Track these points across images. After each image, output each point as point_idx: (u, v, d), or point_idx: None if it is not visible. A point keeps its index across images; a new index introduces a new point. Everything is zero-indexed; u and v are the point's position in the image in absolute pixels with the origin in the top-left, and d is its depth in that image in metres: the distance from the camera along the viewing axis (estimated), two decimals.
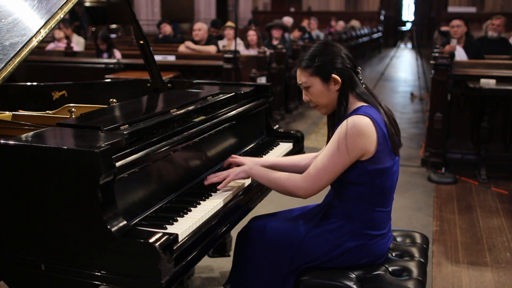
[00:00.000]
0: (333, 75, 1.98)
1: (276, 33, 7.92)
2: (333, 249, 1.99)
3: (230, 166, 2.28)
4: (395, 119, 2.05)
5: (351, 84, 1.99)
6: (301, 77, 2.04)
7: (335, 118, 2.04)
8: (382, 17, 19.15)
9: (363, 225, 2.00)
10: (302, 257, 2.02)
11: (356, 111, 1.94)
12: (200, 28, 7.15)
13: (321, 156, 1.94)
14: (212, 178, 2.11)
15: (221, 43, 7.70)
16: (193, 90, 2.73)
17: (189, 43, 7.10)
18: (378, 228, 2.01)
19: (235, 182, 2.17)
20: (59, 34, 8.17)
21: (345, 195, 2.00)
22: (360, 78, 2.03)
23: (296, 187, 1.98)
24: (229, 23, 7.82)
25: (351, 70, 2.01)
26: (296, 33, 9.80)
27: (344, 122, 1.91)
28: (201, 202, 1.98)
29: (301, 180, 1.97)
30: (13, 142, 1.68)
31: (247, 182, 2.22)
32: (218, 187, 2.07)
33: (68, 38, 8.33)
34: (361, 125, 1.88)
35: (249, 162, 2.25)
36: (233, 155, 2.34)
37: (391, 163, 1.96)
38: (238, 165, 2.25)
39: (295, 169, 2.29)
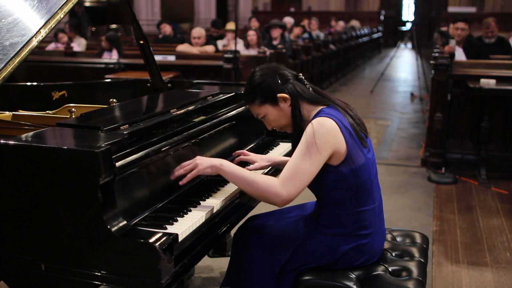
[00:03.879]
0: (279, 95, 1.99)
1: (275, 33, 7.92)
2: (329, 253, 2.00)
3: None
4: (355, 112, 2.04)
5: (299, 94, 1.99)
6: (255, 111, 2.07)
7: (296, 131, 2.01)
8: (382, 17, 19.13)
9: (353, 227, 1.99)
10: (300, 257, 2.02)
11: (318, 114, 1.94)
12: (200, 36, 7.14)
13: (292, 159, 1.89)
14: (178, 171, 1.97)
15: (221, 43, 7.70)
16: (193, 90, 2.74)
17: (185, 47, 7.09)
18: (368, 227, 2.01)
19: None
20: (63, 37, 8.11)
21: (328, 202, 1.99)
22: (306, 83, 2.04)
23: (274, 193, 1.87)
24: (230, 26, 7.81)
25: (294, 80, 2.01)
26: (296, 31, 9.81)
27: (309, 125, 1.90)
28: (201, 202, 1.97)
29: (279, 186, 1.87)
30: (13, 142, 1.68)
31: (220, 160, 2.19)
32: (180, 182, 1.94)
33: (69, 38, 8.33)
34: (326, 125, 1.88)
35: (259, 160, 2.27)
36: (244, 151, 2.33)
37: (364, 160, 1.95)
38: (248, 162, 2.28)
39: None
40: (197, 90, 2.73)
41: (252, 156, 2.31)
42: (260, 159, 2.29)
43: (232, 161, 2.13)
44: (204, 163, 1.96)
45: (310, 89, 2.03)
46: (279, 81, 2.00)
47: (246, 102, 2.09)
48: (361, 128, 2.00)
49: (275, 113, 2.03)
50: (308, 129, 1.89)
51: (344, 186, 1.94)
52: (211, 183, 2.13)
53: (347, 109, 2.00)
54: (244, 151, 2.35)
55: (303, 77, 2.05)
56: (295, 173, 1.87)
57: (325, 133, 1.87)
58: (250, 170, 2.17)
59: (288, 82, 2.00)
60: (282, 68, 2.05)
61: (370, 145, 2.03)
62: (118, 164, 1.67)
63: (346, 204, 1.97)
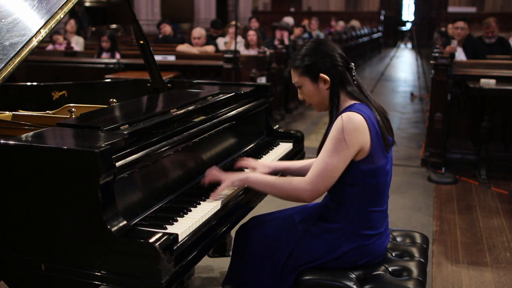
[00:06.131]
0: (321, 75, 1.99)
1: (279, 33, 7.97)
2: (331, 251, 1.99)
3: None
4: (387, 116, 2.05)
5: (341, 82, 2.00)
6: (294, 77, 2.07)
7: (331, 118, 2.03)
8: (382, 17, 19.12)
9: (360, 225, 1.99)
10: (300, 256, 2.02)
11: (349, 108, 1.95)
12: (200, 36, 7.15)
13: (321, 156, 1.93)
14: (208, 177, 2.08)
15: (222, 40, 7.72)
16: (193, 90, 2.74)
17: (185, 47, 7.11)
18: (374, 228, 2.01)
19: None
20: (58, 39, 8.09)
21: (340, 197, 1.99)
22: (353, 74, 2.03)
23: (301, 189, 1.93)
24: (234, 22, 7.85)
25: (343, 68, 2.01)
26: (297, 32, 9.82)
27: (339, 119, 1.91)
28: (201, 202, 1.97)
29: (306, 183, 1.92)
30: (13, 142, 1.68)
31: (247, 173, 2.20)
32: (211, 196, 2.00)
33: (66, 38, 8.31)
34: (356, 121, 1.89)
35: (261, 167, 2.25)
36: (245, 158, 2.33)
37: (384, 161, 1.97)
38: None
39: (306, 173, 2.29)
40: (197, 90, 2.73)
41: (254, 163, 2.28)
42: (262, 166, 2.27)
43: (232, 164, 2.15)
44: (232, 177, 2.05)
45: (355, 82, 2.03)
46: (327, 62, 1.99)
47: (291, 65, 2.08)
48: (389, 133, 2.00)
49: (311, 89, 2.03)
50: (337, 124, 1.90)
51: (360, 183, 1.95)
52: (211, 183, 2.12)
53: (381, 112, 2.00)
54: (245, 157, 2.34)
55: (353, 67, 2.04)
56: (323, 169, 1.90)
57: (353, 129, 1.87)
58: None
59: (336, 67, 1.99)
60: (336, 51, 2.02)
61: (391, 159, 2.03)
62: (118, 164, 1.67)
63: (358, 202, 1.98)
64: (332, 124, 1.96)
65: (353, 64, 2.05)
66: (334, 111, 1.99)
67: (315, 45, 2.04)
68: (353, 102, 1.99)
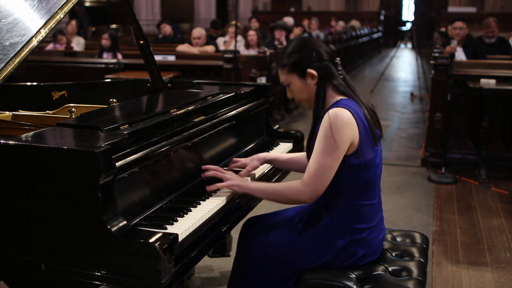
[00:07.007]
0: (309, 70, 1.99)
1: (278, 34, 7.96)
2: (327, 249, 1.99)
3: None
4: (375, 110, 2.05)
5: (328, 77, 2.00)
6: (281, 76, 2.08)
7: (316, 112, 2.04)
8: (382, 17, 19.12)
9: (351, 220, 2.00)
10: (298, 260, 2.02)
11: (336, 104, 1.95)
12: (200, 36, 7.16)
13: (314, 156, 1.93)
14: (211, 171, 2.12)
15: (222, 39, 7.71)
16: (193, 90, 2.74)
17: (185, 47, 7.11)
18: (366, 221, 2.01)
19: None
20: (61, 39, 8.09)
21: (331, 191, 1.98)
22: (339, 69, 2.04)
23: (299, 193, 1.94)
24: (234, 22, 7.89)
25: (329, 62, 2.01)
26: (297, 31, 9.82)
27: (326, 116, 1.91)
28: (201, 202, 1.97)
29: (302, 185, 1.93)
30: (13, 142, 1.68)
31: (248, 180, 2.21)
32: (208, 188, 2.04)
33: (67, 39, 8.31)
34: (343, 116, 1.89)
35: (250, 162, 2.27)
36: (234, 159, 2.34)
37: (373, 155, 1.97)
38: (242, 168, 2.27)
39: (297, 166, 2.30)
40: (197, 90, 2.73)
41: (242, 160, 2.31)
42: (250, 161, 2.30)
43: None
44: (234, 181, 2.06)
45: (341, 76, 2.03)
46: (314, 57, 2.00)
47: (277, 65, 2.09)
48: (376, 126, 2.01)
49: (299, 86, 2.04)
50: (325, 122, 1.90)
51: (350, 177, 1.96)
52: (211, 183, 2.12)
53: (368, 106, 2.01)
54: (234, 159, 2.35)
55: (339, 62, 2.05)
56: (318, 169, 1.90)
57: (341, 126, 1.88)
58: (242, 176, 2.21)
59: (322, 62, 2.00)
60: (321, 46, 2.04)
61: (380, 153, 2.04)
62: (118, 164, 1.67)
63: (348, 196, 1.98)
64: (319, 120, 1.96)
65: (339, 58, 2.06)
66: (320, 106, 2.00)
67: (300, 42, 2.06)
68: (339, 97, 1.99)
